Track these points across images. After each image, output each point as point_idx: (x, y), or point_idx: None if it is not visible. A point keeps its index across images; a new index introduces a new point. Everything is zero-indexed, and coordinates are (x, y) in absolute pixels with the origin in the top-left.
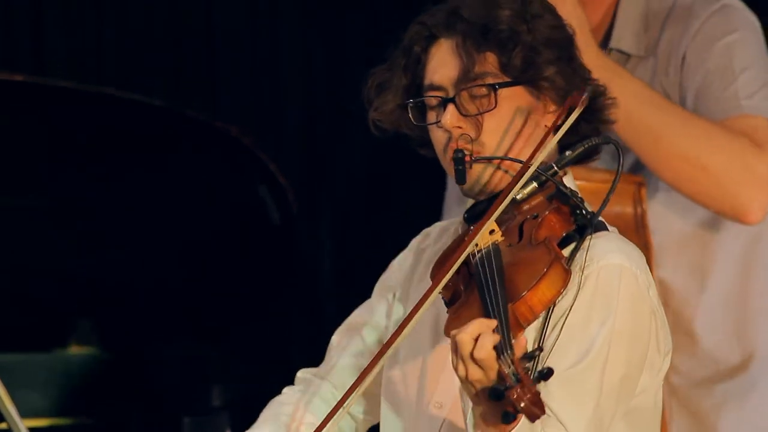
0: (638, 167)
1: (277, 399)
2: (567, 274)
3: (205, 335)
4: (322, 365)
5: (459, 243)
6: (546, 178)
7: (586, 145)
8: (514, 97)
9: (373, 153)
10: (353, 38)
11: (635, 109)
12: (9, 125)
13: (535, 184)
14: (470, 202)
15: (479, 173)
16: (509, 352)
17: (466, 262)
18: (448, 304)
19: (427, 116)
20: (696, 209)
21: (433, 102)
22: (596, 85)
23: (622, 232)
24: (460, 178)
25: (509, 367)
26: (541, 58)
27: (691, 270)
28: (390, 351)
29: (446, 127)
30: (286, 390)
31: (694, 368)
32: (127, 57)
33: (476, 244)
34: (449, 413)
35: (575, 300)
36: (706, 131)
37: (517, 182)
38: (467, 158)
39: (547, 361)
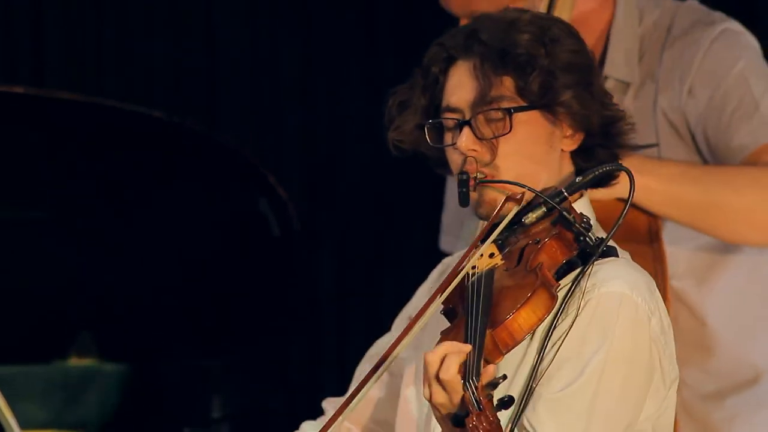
0: None
1: None
2: (552, 300)
3: (205, 347)
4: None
5: (459, 265)
6: (550, 204)
7: (597, 172)
8: (530, 122)
9: (373, 167)
10: (353, 39)
11: (677, 191)
12: (8, 137)
13: (543, 209)
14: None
15: (489, 196)
16: (474, 378)
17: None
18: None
19: (444, 137)
20: None
21: (450, 124)
22: (615, 110)
23: (636, 243)
24: (463, 201)
25: (472, 393)
26: (558, 83)
27: (701, 282)
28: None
29: (461, 149)
30: (304, 426)
31: (704, 381)
32: (127, 57)
33: (474, 267)
34: None
35: (572, 325)
36: (755, 177)
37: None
38: (471, 181)
39: (539, 384)
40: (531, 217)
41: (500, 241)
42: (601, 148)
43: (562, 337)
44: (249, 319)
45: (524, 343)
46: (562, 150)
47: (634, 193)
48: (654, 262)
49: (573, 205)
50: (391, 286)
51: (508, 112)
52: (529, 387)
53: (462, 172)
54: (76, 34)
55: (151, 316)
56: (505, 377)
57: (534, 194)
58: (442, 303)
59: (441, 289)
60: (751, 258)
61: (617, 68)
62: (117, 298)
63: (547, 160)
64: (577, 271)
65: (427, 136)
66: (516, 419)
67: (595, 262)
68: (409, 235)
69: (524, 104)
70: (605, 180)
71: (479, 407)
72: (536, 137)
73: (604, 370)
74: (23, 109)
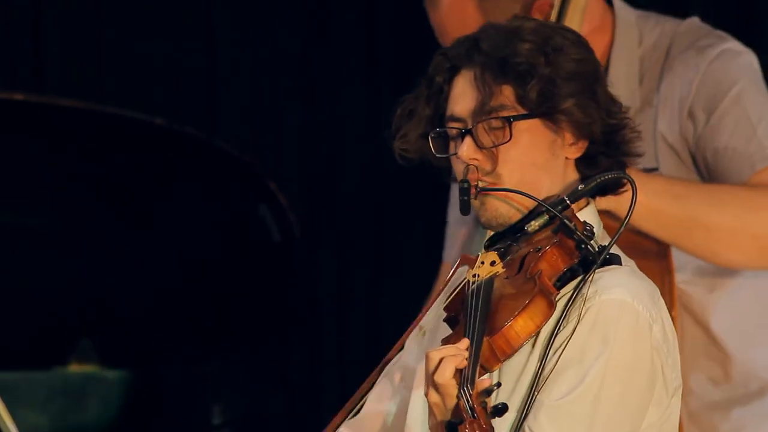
0: None
1: None
2: (550, 308)
3: (206, 352)
4: (361, 414)
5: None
6: (551, 212)
7: (599, 180)
8: (530, 130)
9: (373, 168)
10: (353, 39)
11: (660, 206)
12: (11, 143)
13: (546, 217)
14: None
15: (491, 205)
16: (469, 385)
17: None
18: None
19: (449, 146)
20: None
21: (454, 133)
22: (619, 118)
23: (644, 257)
24: (464, 209)
25: (467, 401)
26: (559, 92)
27: (711, 289)
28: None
29: (462, 158)
30: None
31: (710, 391)
32: (127, 58)
33: (475, 275)
34: None
35: (573, 332)
36: (743, 198)
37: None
38: (472, 190)
39: (540, 391)
40: (534, 225)
41: (502, 249)
42: (604, 157)
43: (563, 345)
44: (249, 324)
45: (526, 350)
46: (566, 158)
47: (616, 202)
48: (662, 276)
49: (578, 213)
50: (391, 289)
51: (508, 120)
52: (531, 394)
53: (463, 181)
54: (76, 34)
55: (152, 322)
56: (499, 385)
57: (541, 201)
58: (445, 311)
59: (443, 296)
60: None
61: (617, 91)
62: (118, 304)
63: (550, 168)
64: (579, 278)
65: (431, 146)
66: (518, 427)
67: (597, 270)
68: (408, 238)
69: (524, 113)
70: (610, 188)
71: (473, 414)
72: (537, 145)
73: (605, 377)
74: (25, 116)
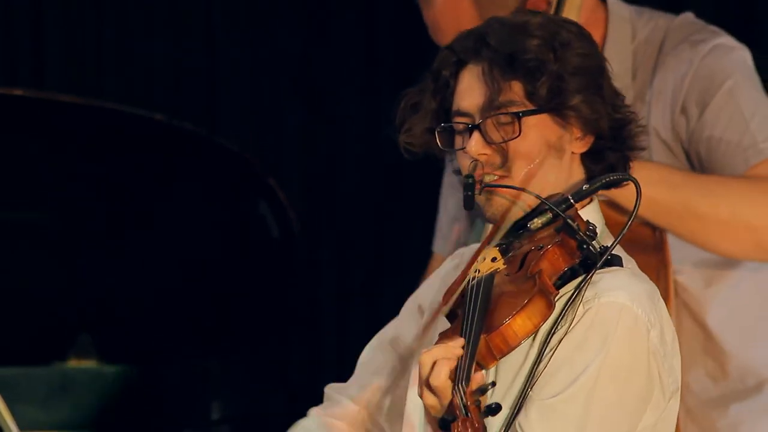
0: None
1: (301, 423)
2: (549, 308)
3: (205, 349)
4: (351, 382)
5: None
6: (555, 211)
7: (604, 181)
8: (539, 125)
9: (373, 167)
10: (353, 39)
11: (654, 195)
12: (8, 139)
13: (549, 215)
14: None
15: (495, 200)
16: (463, 383)
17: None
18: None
19: (455, 141)
20: None
21: (460, 128)
22: (625, 113)
23: (640, 250)
24: (468, 204)
25: (461, 399)
26: (568, 87)
27: (708, 283)
28: None
29: (471, 154)
30: (311, 412)
31: (708, 387)
32: (127, 57)
33: (477, 270)
34: None
35: (568, 332)
36: (737, 189)
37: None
38: (477, 185)
39: (533, 390)
40: (537, 222)
41: (504, 246)
42: (611, 151)
43: (559, 344)
44: (249, 321)
45: (524, 349)
46: (572, 153)
47: (615, 192)
48: (658, 269)
49: (581, 211)
50: (391, 287)
51: (517, 116)
52: (524, 392)
53: (467, 176)
54: (76, 34)
55: (152, 318)
56: (494, 384)
57: (546, 197)
58: (444, 303)
59: (450, 292)
60: (755, 264)
61: None
62: (117, 300)
63: (556, 163)
64: (579, 279)
65: (437, 140)
66: (509, 424)
67: (598, 271)
68: (408, 236)
69: (532, 108)
70: (613, 185)
71: (466, 413)
72: (545, 140)
73: (599, 378)
74: (24, 112)
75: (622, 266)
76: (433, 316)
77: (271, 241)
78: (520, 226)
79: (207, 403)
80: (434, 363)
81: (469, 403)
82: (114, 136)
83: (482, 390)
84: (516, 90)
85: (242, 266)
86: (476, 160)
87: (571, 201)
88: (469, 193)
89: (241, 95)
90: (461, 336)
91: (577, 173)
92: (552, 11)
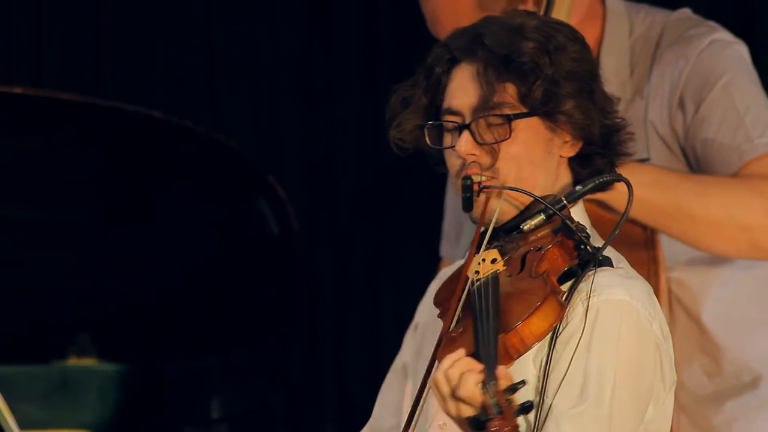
0: None
1: None
2: (561, 308)
3: (204, 347)
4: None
5: (460, 270)
6: (553, 211)
7: (597, 182)
8: (530, 128)
9: (373, 166)
10: (353, 39)
11: (647, 197)
12: (8, 137)
13: (542, 216)
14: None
15: (483, 201)
16: (493, 383)
17: (468, 289)
18: (447, 327)
19: (443, 139)
20: None
21: (450, 126)
22: (615, 119)
23: (631, 246)
24: (467, 206)
25: (492, 398)
26: (561, 92)
27: (702, 279)
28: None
29: (460, 153)
30: None
31: (703, 384)
32: (127, 57)
33: (477, 272)
34: None
35: (574, 333)
36: (730, 190)
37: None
38: (475, 186)
39: (549, 394)
40: (530, 224)
41: (500, 247)
42: (599, 156)
43: (568, 347)
44: (248, 318)
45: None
46: (560, 156)
47: (608, 194)
48: (648, 266)
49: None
50: (390, 286)
51: (509, 118)
52: (541, 397)
53: (465, 177)
54: (75, 31)
55: (151, 316)
56: (523, 382)
57: (532, 201)
58: (439, 308)
59: (455, 299)
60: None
61: (608, 83)
62: (116, 298)
63: (545, 166)
64: (573, 279)
65: (426, 137)
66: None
67: (591, 271)
68: (408, 235)
69: (525, 111)
70: (602, 188)
71: (500, 411)
72: (535, 143)
73: (616, 377)
74: (23, 110)
75: (612, 266)
76: (445, 323)
77: (270, 239)
78: (513, 228)
79: (206, 401)
80: (461, 375)
81: (501, 401)
82: (113, 133)
83: (513, 389)
84: (510, 92)
85: (241, 264)
86: (466, 159)
87: (565, 202)
88: (468, 194)
89: (241, 92)
90: (476, 337)
91: (565, 176)
92: (542, 11)
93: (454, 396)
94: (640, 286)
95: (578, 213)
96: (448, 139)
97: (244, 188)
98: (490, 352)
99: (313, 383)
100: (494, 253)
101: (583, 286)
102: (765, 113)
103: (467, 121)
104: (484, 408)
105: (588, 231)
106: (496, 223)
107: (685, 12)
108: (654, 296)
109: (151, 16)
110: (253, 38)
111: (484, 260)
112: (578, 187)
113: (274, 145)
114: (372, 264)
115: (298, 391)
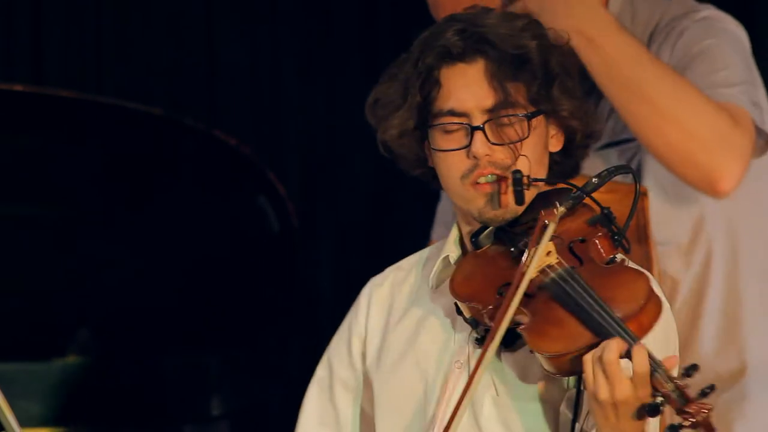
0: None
1: None
2: (660, 300)
3: (204, 344)
4: None
5: (492, 264)
6: (603, 210)
7: (613, 173)
8: (537, 126)
9: (372, 163)
10: (353, 38)
11: (622, 65)
12: (8, 135)
13: (563, 209)
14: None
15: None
16: (662, 368)
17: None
18: (474, 324)
19: (436, 140)
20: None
21: (454, 128)
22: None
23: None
24: (519, 199)
25: (668, 383)
26: (562, 88)
27: (686, 274)
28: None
29: (478, 154)
30: None
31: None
32: (127, 56)
33: (551, 265)
34: None
35: None
36: (690, 95)
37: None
38: (524, 179)
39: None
40: (554, 216)
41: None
42: (579, 148)
43: None
44: (247, 315)
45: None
46: (549, 149)
47: (583, 49)
48: (641, 262)
49: None
50: None
51: (528, 117)
52: (578, 390)
53: (515, 171)
54: (75, 34)
55: (151, 313)
56: (696, 366)
57: (539, 193)
58: (471, 302)
59: (512, 292)
60: (726, 251)
61: None
62: (116, 295)
63: (544, 161)
64: None
65: (430, 139)
66: (572, 426)
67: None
68: (407, 232)
69: (535, 110)
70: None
71: (681, 397)
72: (540, 140)
73: None
74: (23, 107)
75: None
76: (501, 316)
77: (270, 236)
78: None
79: (206, 398)
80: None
81: (679, 385)
82: (113, 131)
83: (688, 373)
84: (520, 91)
85: (241, 260)
86: (481, 160)
87: (583, 194)
88: (519, 188)
89: (241, 89)
90: (594, 326)
91: (547, 170)
92: None
93: (636, 375)
94: (653, 278)
95: None
96: (447, 141)
97: (244, 185)
98: (630, 339)
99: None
100: (550, 246)
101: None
102: (739, 77)
103: (477, 122)
104: (659, 394)
105: None
106: (505, 221)
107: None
108: None
109: (151, 16)
110: (253, 38)
111: (535, 254)
112: (594, 179)
113: (273, 142)
114: (372, 261)
115: (297, 388)
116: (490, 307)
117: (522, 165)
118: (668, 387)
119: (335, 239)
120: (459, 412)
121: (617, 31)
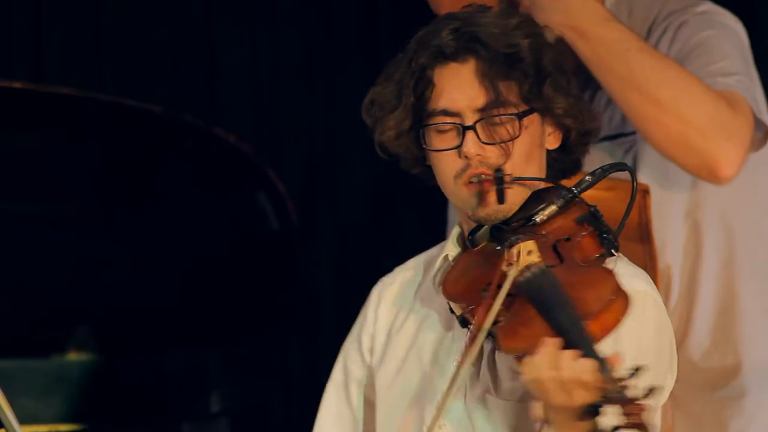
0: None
1: None
2: (627, 298)
3: (204, 342)
4: None
5: (484, 263)
6: (588, 206)
7: (605, 173)
8: (530, 124)
9: (372, 162)
10: (353, 38)
11: (616, 56)
12: (8, 132)
13: (554, 207)
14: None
15: (492, 198)
16: (607, 369)
17: (515, 280)
18: (464, 323)
19: (430, 140)
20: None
21: (446, 127)
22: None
23: (626, 240)
24: (500, 198)
25: (612, 383)
26: (556, 86)
27: (683, 269)
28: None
29: (469, 154)
30: None
31: (690, 373)
32: (127, 52)
33: (509, 264)
34: None
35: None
36: (687, 83)
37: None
38: (506, 178)
39: None
40: (543, 215)
41: (515, 240)
42: (578, 146)
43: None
44: (248, 314)
45: None
46: (545, 147)
47: (576, 42)
48: (644, 260)
49: None
50: None
51: (519, 116)
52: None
53: (497, 170)
54: (75, 33)
55: (150, 310)
56: (639, 368)
57: (534, 191)
58: (459, 301)
59: (492, 291)
60: (723, 247)
61: None
62: (115, 292)
63: (539, 159)
64: None
65: (422, 140)
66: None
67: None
68: (408, 231)
69: (527, 109)
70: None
71: (623, 397)
72: (534, 139)
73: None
74: (22, 105)
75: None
76: (482, 315)
77: (270, 234)
78: (526, 221)
79: (206, 397)
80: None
81: (623, 386)
82: (112, 128)
83: (632, 373)
84: (512, 90)
85: (241, 258)
86: (473, 159)
87: (576, 192)
88: (501, 186)
89: (241, 89)
90: (556, 326)
91: (544, 168)
92: None
93: (568, 383)
94: (645, 274)
95: None
96: (439, 141)
97: (243, 182)
98: (586, 339)
99: (312, 378)
100: (531, 245)
101: None
102: (736, 68)
103: (469, 122)
104: (604, 394)
105: None
106: (498, 219)
107: None
108: None
109: (151, 16)
110: (253, 38)
111: (519, 252)
112: (587, 177)
113: (273, 142)
114: (372, 259)
115: (297, 386)
116: (473, 306)
117: (513, 164)
118: (612, 387)
119: (335, 239)
120: (440, 413)
121: (609, 22)
